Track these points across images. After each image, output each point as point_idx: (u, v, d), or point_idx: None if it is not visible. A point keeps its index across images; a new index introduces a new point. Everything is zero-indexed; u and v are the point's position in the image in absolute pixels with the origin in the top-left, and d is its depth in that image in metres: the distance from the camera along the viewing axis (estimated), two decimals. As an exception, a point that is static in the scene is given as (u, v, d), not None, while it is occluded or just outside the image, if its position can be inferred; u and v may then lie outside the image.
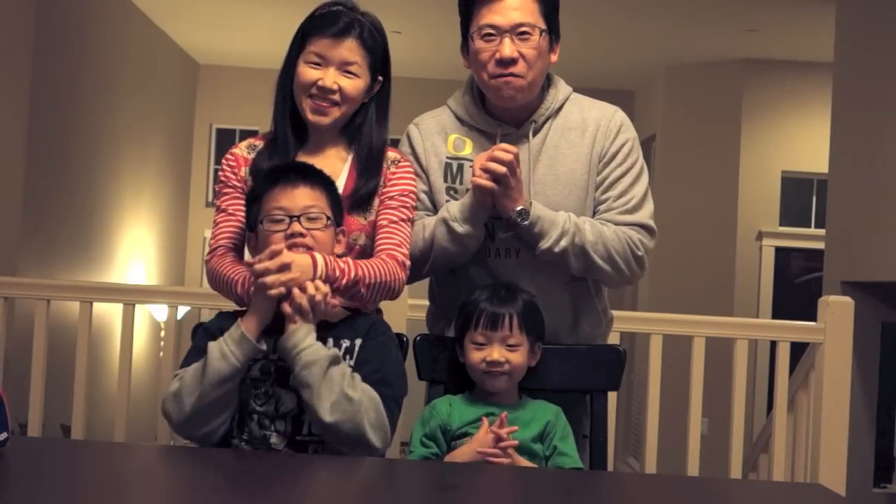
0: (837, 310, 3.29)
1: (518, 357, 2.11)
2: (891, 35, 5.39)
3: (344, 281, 2.02)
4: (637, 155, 2.31)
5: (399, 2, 6.48)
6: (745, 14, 6.61)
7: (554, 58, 2.26)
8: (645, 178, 2.31)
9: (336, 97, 2.16)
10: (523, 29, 2.18)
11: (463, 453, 2.03)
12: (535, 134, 2.27)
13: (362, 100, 2.21)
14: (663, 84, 8.13)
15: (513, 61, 2.18)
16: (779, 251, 7.67)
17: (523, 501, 1.72)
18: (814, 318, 3.38)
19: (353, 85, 2.17)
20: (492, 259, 2.26)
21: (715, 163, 7.76)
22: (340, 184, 2.18)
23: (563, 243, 2.18)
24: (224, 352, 1.94)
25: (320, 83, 2.15)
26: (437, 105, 2.40)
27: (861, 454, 5.36)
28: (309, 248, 2.01)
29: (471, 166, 2.26)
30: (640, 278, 2.33)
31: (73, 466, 1.75)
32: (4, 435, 1.67)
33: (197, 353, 2.03)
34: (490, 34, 2.19)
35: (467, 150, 2.28)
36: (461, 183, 2.27)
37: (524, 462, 2.03)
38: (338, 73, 2.16)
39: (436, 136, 2.31)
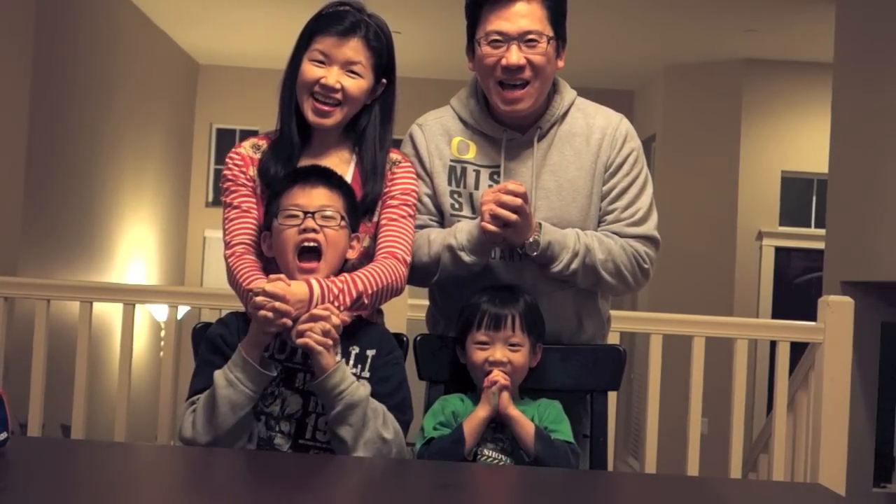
0: (837, 310, 3.29)
1: (520, 357, 2.12)
2: (891, 35, 5.38)
3: (347, 301, 2.01)
4: (642, 164, 2.32)
5: (399, 2, 6.48)
6: (745, 14, 6.61)
7: (560, 64, 2.26)
8: (650, 188, 2.31)
9: (338, 96, 2.15)
10: (531, 36, 2.18)
11: (478, 412, 2.05)
12: (539, 140, 2.27)
13: (365, 101, 2.21)
14: (663, 84, 8.13)
15: (520, 68, 2.18)
16: (779, 251, 7.67)
17: (523, 501, 1.72)
18: (814, 318, 3.38)
19: (356, 85, 2.16)
20: (496, 261, 2.25)
21: (715, 163, 7.76)
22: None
23: (574, 265, 2.18)
24: (230, 379, 1.93)
25: (323, 81, 2.14)
26: (437, 105, 2.40)
27: (861, 454, 5.36)
28: (319, 245, 2.00)
29: (475, 170, 2.26)
30: (643, 287, 2.34)
31: (73, 466, 1.75)
32: (4, 435, 1.67)
33: (205, 365, 2.03)
34: (497, 40, 2.19)
35: (471, 153, 2.28)
36: (464, 186, 2.27)
37: (514, 407, 2.05)
38: (341, 73, 2.15)
39: (439, 138, 2.30)
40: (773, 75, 7.63)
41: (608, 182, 2.28)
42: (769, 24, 6.79)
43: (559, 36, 2.23)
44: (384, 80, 2.22)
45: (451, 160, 2.28)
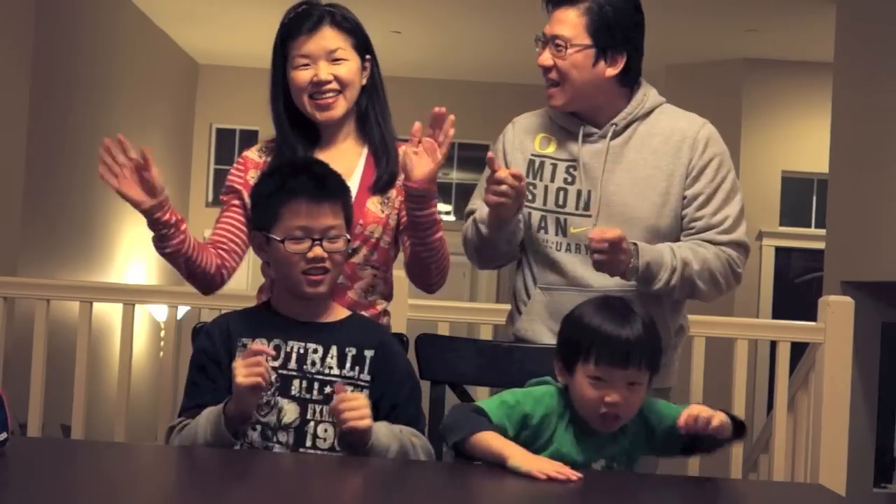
0: (837, 310, 3.29)
1: (637, 398, 1.90)
2: (891, 35, 5.39)
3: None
4: (727, 169, 2.35)
5: (399, 2, 6.48)
6: (745, 14, 6.61)
7: (609, 71, 2.32)
8: (739, 195, 2.35)
9: (335, 86, 2.20)
10: (557, 42, 2.28)
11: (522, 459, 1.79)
12: (614, 136, 2.33)
13: (361, 82, 2.25)
14: (663, 84, 8.12)
15: (548, 69, 2.30)
16: (779, 251, 7.66)
17: (524, 501, 1.72)
18: (814, 318, 3.38)
19: (347, 68, 2.21)
20: (561, 253, 2.31)
21: (715, 163, 7.74)
22: (359, 175, 2.23)
23: (674, 281, 2.23)
24: (208, 441, 1.90)
25: (315, 79, 2.19)
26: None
27: (861, 454, 5.36)
28: (327, 272, 1.99)
29: (553, 164, 2.35)
30: (733, 290, 2.40)
31: (73, 466, 1.75)
32: (4, 435, 1.67)
33: (191, 385, 2.02)
34: (538, 39, 2.32)
35: (551, 148, 2.37)
36: (540, 179, 2.34)
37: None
38: (328, 64, 2.20)
39: (524, 135, 2.41)
40: (773, 75, 7.63)
41: (692, 187, 2.32)
42: (769, 24, 6.79)
43: (600, 45, 2.30)
44: (368, 57, 2.27)
45: (532, 154, 2.37)
